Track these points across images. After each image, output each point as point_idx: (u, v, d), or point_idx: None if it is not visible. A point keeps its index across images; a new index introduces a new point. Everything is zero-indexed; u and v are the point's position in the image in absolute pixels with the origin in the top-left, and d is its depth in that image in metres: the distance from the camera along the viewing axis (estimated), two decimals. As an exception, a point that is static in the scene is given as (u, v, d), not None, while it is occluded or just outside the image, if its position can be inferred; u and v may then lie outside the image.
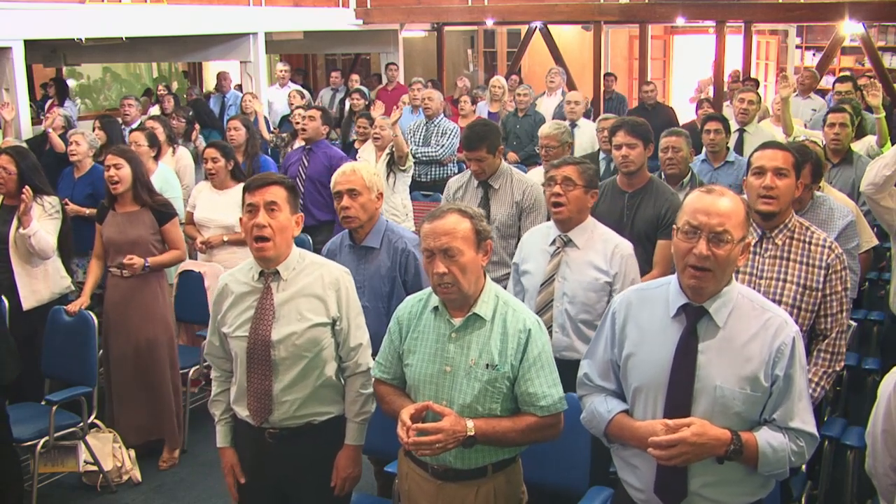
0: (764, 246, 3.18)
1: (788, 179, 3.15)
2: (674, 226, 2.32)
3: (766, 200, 3.12)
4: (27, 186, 4.46)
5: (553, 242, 3.54)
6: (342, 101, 10.59)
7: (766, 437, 2.25)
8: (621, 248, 3.48)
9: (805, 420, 2.28)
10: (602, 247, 3.47)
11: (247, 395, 2.85)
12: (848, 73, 8.64)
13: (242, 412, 2.89)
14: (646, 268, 4.02)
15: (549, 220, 4.61)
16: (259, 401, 2.83)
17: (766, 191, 3.13)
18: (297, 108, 8.07)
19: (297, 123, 7.91)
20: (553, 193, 3.47)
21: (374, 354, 2.85)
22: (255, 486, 2.95)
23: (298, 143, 7.67)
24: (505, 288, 4.10)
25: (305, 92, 10.16)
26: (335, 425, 2.92)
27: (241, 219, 2.89)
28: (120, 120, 7.91)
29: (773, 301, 2.89)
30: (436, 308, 2.61)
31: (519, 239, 4.34)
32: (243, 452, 2.97)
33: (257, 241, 2.77)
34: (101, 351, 4.57)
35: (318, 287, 2.84)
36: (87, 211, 5.64)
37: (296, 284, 2.84)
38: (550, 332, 3.43)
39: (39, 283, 4.66)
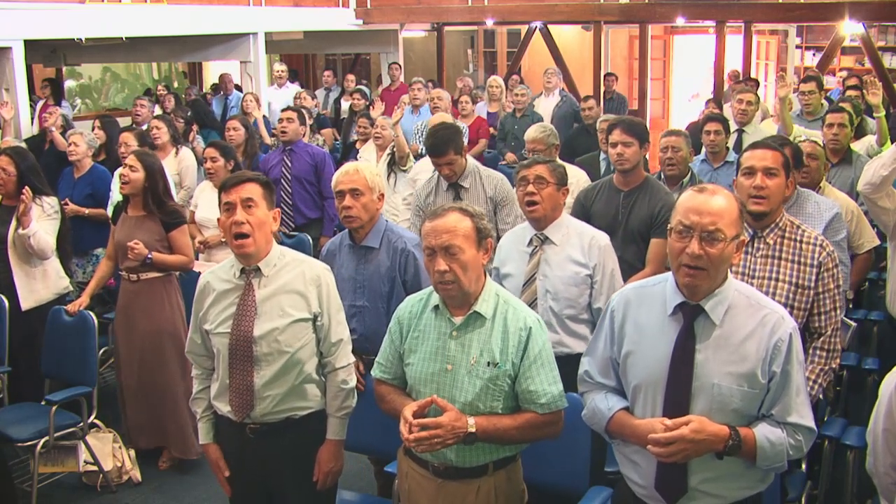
0: (755, 245, 3.19)
1: (778, 179, 3.16)
2: (668, 226, 2.33)
3: (756, 201, 3.13)
4: (27, 187, 4.46)
5: (530, 243, 3.56)
6: (337, 101, 10.58)
7: (765, 432, 2.26)
8: (597, 239, 3.53)
9: (803, 414, 2.30)
10: (578, 241, 3.51)
11: (229, 391, 2.88)
12: (812, 73, 8.55)
13: (224, 408, 2.91)
14: (639, 266, 4.04)
15: (523, 216, 4.64)
16: (241, 396, 2.85)
17: (757, 191, 3.14)
18: (301, 108, 8.08)
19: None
20: (527, 193, 3.50)
21: (374, 353, 2.85)
22: (239, 481, 2.98)
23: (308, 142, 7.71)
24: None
25: (314, 94, 10.18)
26: (315, 420, 2.95)
27: (218, 219, 2.91)
28: (131, 120, 7.92)
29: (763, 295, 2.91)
30: (436, 307, 2.62)
31: (498, 233, 4.35)
32: (225, 448, 3.00)
33: (237, 238, 2.80)
34: (102, 350, 4.56)
35: (300, 283, 2.87)
36: (87, 211, 5.64)
37: (277, 281, 2.87)
38: None
39: (38, 284, 4.66)
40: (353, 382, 2.98)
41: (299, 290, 2.87)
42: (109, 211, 5.45)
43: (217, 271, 2.97)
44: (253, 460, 2.92)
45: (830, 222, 3.87)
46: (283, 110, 6.45)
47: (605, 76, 10.83)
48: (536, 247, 3.54)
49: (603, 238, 3.56)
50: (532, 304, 3.47)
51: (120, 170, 4.49)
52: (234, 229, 2.79)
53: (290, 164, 6.13)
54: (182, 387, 4.48)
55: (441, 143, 4.38)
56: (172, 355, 4.48)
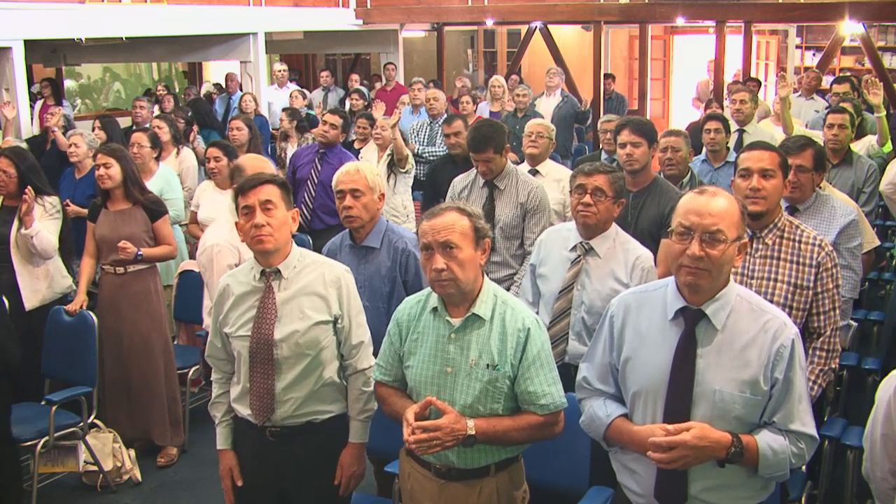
0: (754, 246, 3.18)
1: (775, 180, 3.14)
2: (669, 228, 2.32)
3: (753, 201, 3.11)
4: (29, 187, 4.47)
5: (574, 249, 3.48)
6: (342, 102, 10.58)
7: (767, 440, 2.24)
8: (643, 259, 3.42)
9: (805, 422, 2.28)
10: (623, 257, 3.42)
11: (249, 394, 2.86)
12: (846, 74, 8.58)
13: (244, 411, 2.89)
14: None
15: (552, 220, 4.61)
16: (261, 400, 2.83)
17: (753, 192, 3.12)
18: (286, 109, 8.10)
19: (283, 121, 7.91)
20: (583, 203, 3.38)
21: (375, 354, 2.85)
22: (256, 485, 2.95)
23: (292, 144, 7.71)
24: (508, 288, 4.12)
25: (306, 92, 10.16)
26: (336, 424, 2.93)
27: (237, 223, 2.88)
28: (131, 120, 7.92)
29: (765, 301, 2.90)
30: (434, 309, 2.61)
31: (522, 240, 4.33)
32: (244, 452, 2.97)
33: (255, 238, 2.78)
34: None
35: (320, 285, 2.85)
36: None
37: (297, 283, 2.84)
38: (566, 340, 3.42)
39: (41, 283, 4.67)
40: (373, 385, 2.95)
41: (319, 292, 2.84)
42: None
43: (237, 274, 2.94)
44: (271, 464, 2.90)
45: (845, 228, 3.78)
46: (331, 112, 6.30)
47: (603, 77, 10.84)
48: (580, 256, 3.45)
49: (648, 259, 3.44)
50: (566, 312, 3.44)
51: (96, 172, 4.54)
52: (253, 232, 2.77)
53: (319, 169, 5.98)
54: (164, 375, 4.63)
55: (481, 140, 4.36)
56: (158, 343, 4.61)
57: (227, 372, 2.99)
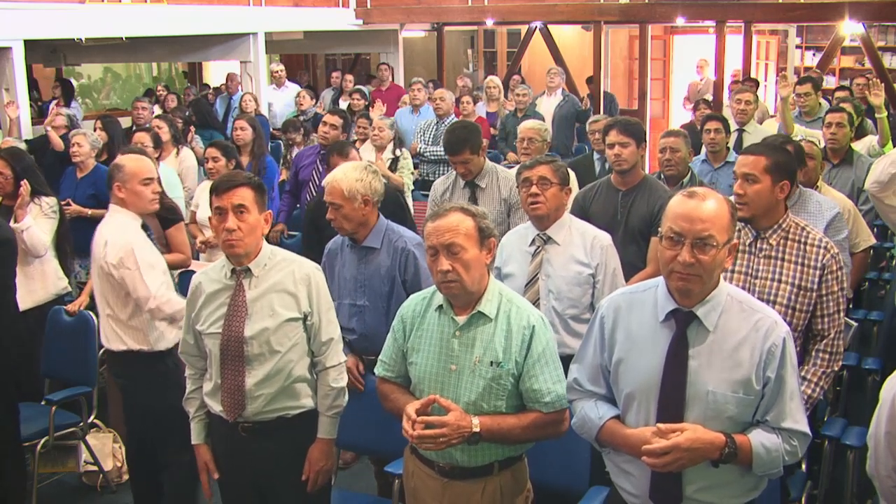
0: (758, 246, 3.16)
1: (759, 185, 3.10)
2: (659, 230, 2.30)
3: (738, 207, 3.08)
4: (25, 181, 4.47)
5: (532, 242, 3.56)
6: (336, 102, 10.58)
7: (760, 439, 2.24)
8: (600, 238, 3.54)
9: (797, 419, 2.28)
10: (581, 240, 3.52)
11: (221, 391, 2.89)
12: (807, 75, 8.46)
13: (216, 407, 2.93)
14: (640, 265, 4.04)
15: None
16: (232, 396, 2.87)
17: (738, 198, 3.11)
18: (286, 124, 8.08)
19: (296, 139, 7.88)
20: (530, 194, 3.49)
21: (374, 353, 2.85)
22: (231, 480, 2.99)
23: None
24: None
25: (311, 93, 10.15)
26: (307, 419, 2.96)
27: (209, 218, 2.90)
28: (132, 121, 7.92)
29: (768, 301, 2.89)
30: (440, 307, 2.62)
31: None
32: (218, 447, 3.01)
33: (226, 242, 2.81)
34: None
35: (290, 283, 2.88)
36: (90, 211, 5.64)
37: (267, 281, 2.87)
38: None
39: (36, 284, 4.65)
40: (343, 382, 2.99)
41: (289, 289, 2.88)
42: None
43: (209, 272, 2.98)
44: (246, 460, 2.93)
45: (832, 221, 3.86)
46: (330, 113, 6.25)
47: (587, 80, 10.86)
48: (539, 247, 3.54)
49: (605, 238, 3.56)
50: (534, 304, 3.47)
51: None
52: (224, 236, 2.80)
53: (321, 170, 5.89)
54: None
55: (457, 142, 4.40)
56: None
57: (199, 368, 3.03)
